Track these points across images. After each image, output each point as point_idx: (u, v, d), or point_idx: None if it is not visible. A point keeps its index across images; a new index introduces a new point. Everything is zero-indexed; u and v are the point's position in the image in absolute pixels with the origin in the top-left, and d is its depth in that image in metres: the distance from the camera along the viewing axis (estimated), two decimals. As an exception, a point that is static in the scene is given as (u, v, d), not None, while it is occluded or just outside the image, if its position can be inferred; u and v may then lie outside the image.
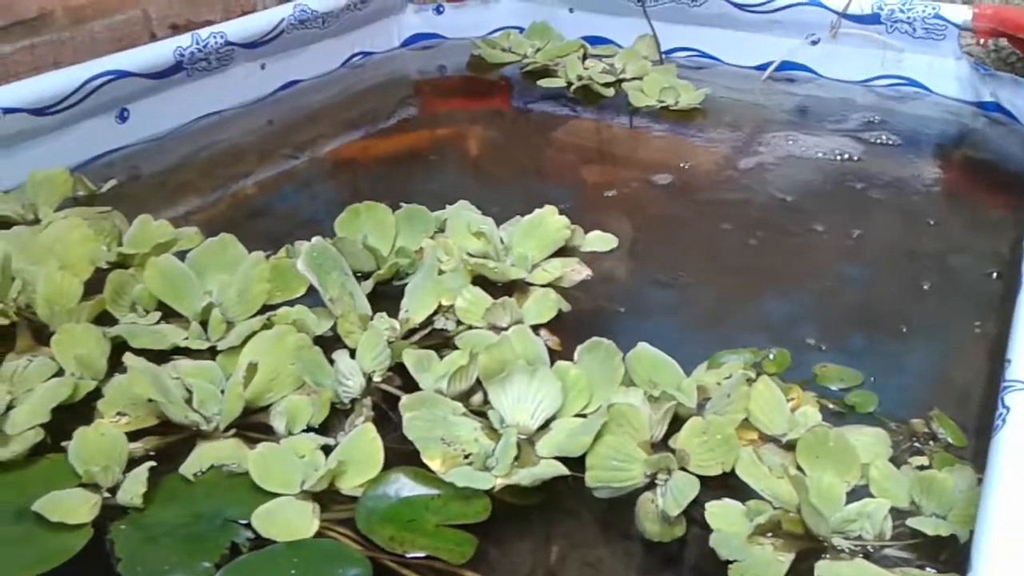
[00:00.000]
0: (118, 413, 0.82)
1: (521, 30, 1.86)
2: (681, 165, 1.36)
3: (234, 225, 1.10)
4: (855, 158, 1.38)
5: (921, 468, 0.76)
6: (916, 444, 0.81)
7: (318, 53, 1.69)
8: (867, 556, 0.69)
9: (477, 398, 0.84)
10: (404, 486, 0.76)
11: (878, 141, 1.43)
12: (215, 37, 1.47)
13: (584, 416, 0.82)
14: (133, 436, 0.80)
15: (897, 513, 0.73)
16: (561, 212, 1.09)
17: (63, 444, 0.78)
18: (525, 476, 0.75)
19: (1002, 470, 0.60)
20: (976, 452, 0.78)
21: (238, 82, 1.54)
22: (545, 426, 0.81)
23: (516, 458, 0.77)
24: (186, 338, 0.91)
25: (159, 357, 0.88)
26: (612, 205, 1.27)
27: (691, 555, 0.72)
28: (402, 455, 0.78)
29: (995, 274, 1.06)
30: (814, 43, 1.66)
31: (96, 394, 0.85)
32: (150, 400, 0.80)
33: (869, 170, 1.34)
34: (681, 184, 1.31)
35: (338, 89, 1.69)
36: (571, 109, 1.60)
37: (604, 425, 0.78)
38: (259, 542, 0.71)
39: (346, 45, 1.75)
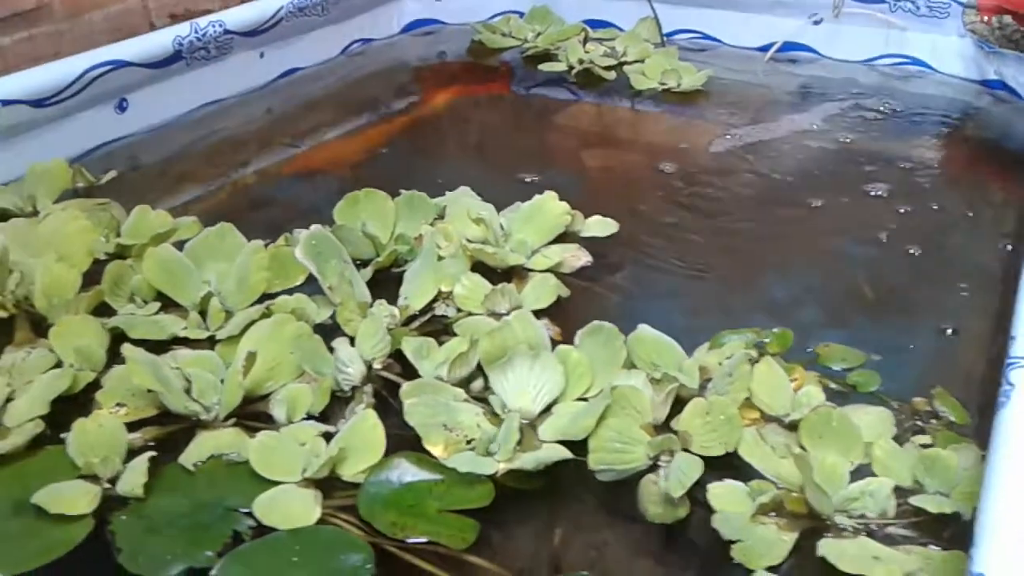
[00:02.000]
0: (117, 404, 0.82)
1: (521, 14, 1.85)
2: (683, 147, 1.35)
3: (234, 214, 1.10)
4: (858, 138, 1.37)
5: (924, 447, 0.76)
6: (919, 423, 0.80)
7: (317, 40, 1.68)
8: (870, 534, 0.69)
9: (477, 384, 0.84)
10: (406, 472, 0.76)
11: (881, 120, 1.42)
12: (214, 26, 1.46)
13: (586, 400, 0.82)
14: (132, 427, 0.80)
15: (900, 492, 0.72)
16: (562, 197, 1.09)
17: (62, 436, 0.78)
18: (528, 460, 0.74)
19: (1007, 446, 0.60)
20: (979, 430, 0.77)
21: (237, 71, 1.53)
22: (547, 410, 0.81)
23: (518, 442, 0.76)
24: (185, 328, 0.91)
25: (158, 347, 0.88)
26: (613, 189, 1.26)
27: (695, 536, 0.72)
28: (404, 441, 0.78)
29: (1003, 248, 1.05)
30: (817, 23, 1.65)
31: (95, 385, 0.84)
32: (149, 390, 0.80)
33: (872, 149, 1.33)
34: (683, 167, 1.30)
35: (338, 77, 1.68)
36: (572, 93, 1.60)
37: (606, 408, 0.77)
38: (261, 530, 0.71)
39: (345, 32, 1.75)
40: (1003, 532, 0.53)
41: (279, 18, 1.56)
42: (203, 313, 0.92)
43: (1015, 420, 0.62)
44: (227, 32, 1.48)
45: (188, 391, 0.81)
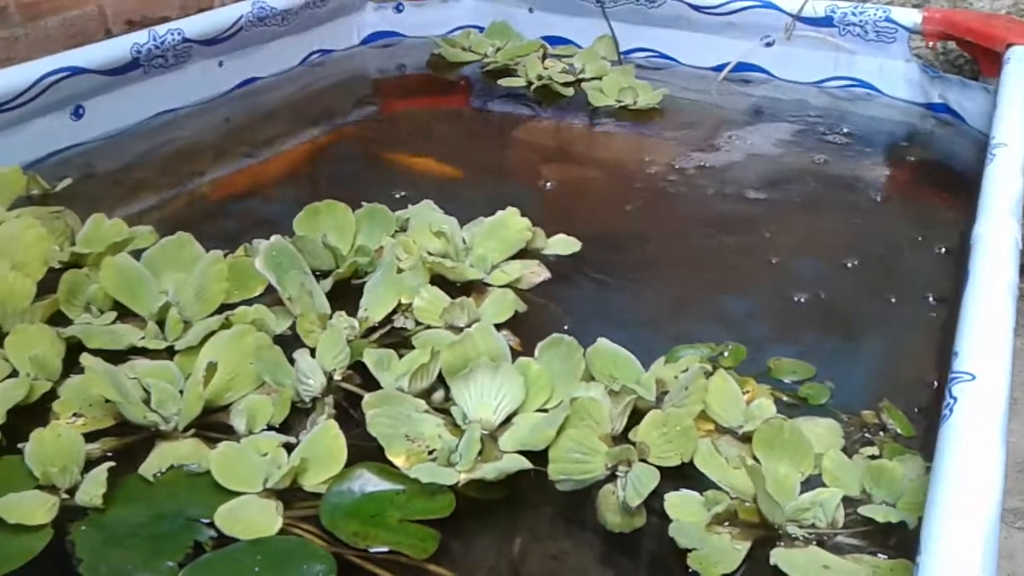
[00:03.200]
0: (74, 414, 0.81)
1: (481, 29, 1.87)
2: (639, 164, 1.38)
3: (191, 224, 1.09)
4: (808, 158, 1.41)
5: (872, 458, 0.78)
6: (867, 435, 0.83)
7: (277, 51, 1.68)
8: (820, 543, 0.71)
9: (439, 395, 0.85)
10: (368, 482, 0.76)
11: (831, 141, 1.46)
12: (172, 34, 1.45)
13: (546, 411, 0.83)
14: (90, 437, 0.79)
15: (849, 501, 0.75)
16: (523, 213, 1.10)
17: (19, 446, 0.77)
18: (489, 471, 0.75)
19: (950, 458, 0.62)
20: (924, 442, 0.80)
21: (196, 79, 1.52)
22: (508, 421, 0.82)
23: (479, 453, 0.77)
24: (143, 338, 0.90)
25: (115, 357, 0.87)
26: (570, 204, 1.28)
27: (651, 545, 0.73)
28: (365, 452, 0.78)
29: (948, 265, 1.09)
30: (768, 45, 1.69)
31: (52, 395, 0.84)
32: (107, 401, 0.80)
33: (822, 169, 1.37)
34: (639, 183, 1.33)
35: (297, 87, 1.68)
36: (531, 109, 1.61)
37: (566, 419, 0.79)
38: (222, 540, 0.71)
39: (305, 43, 1.75)
40: (947, 541, 0.56)
41: (239, 27, 1.56)
42: (161, 323, 0.92)
43: (958, 433, 0.64)
44: (185, 40, 1.47)
45: (147, 401, 0.81)
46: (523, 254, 1.08)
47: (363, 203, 1.11)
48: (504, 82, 1.68)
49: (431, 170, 1.36)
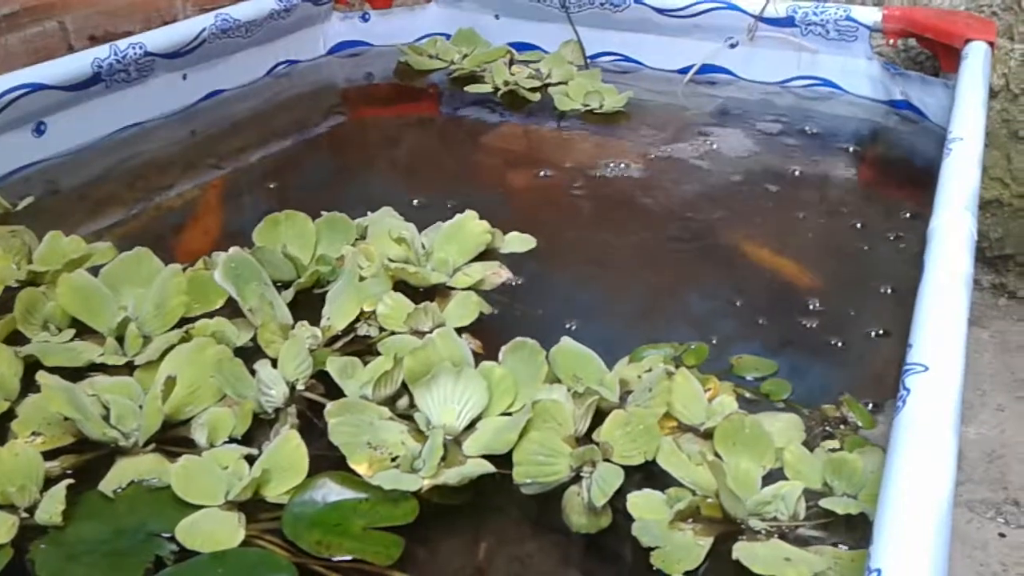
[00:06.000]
0: (33, 433, 0.80)
1: (448, 37, 1.87)
2: (605, 166, 1.38)
3: (157, 238, 1.08)
4: (773, 156, 1.42)
5: (833, 451, 0.79)
6: (828, 428, 0.83)
7: (242, 62, 1.67)
8: (783, 536, 0.72)
9: (403, 402, 0.85)
10: (331, 491, 0.76)
11: (795, 140, 1.47)
12: (134, 48, 1.44)
13: (510, 414, 0.83)
14: (49, 455, 0.78)
15: (811, 494, 0.75)
16: (485, 216, 1.10)
17: (-23, 465, 0.76)
18: (452, 476, 0.75)
19: (903, 449, 0.63)
20: (885, 434, 0.81)
21: (159, 93, 1.52)
22: (471, 426, 0.82)
23: (443, 458, 0.77)
24: (102, 354, 0.89)
25: (74, 375, 0.86)
26: (538, 207, 1.28)
27: (616, 544, 0.73)
28: (329, 461, 0.78)
29: (908, 259, 1.10)
30: (732, 46, 1.70)
31: (10, 415, 0.83)
32: (66, 418, 0.79)
33: (787, 168, 1.38)
34: (604, 185, 1.33)
35: (263, 98, 1.67)
36: (499, 114, 1.62)
37: (529, 422, 0.79)
38: (183, 554, 0.70)
39: (271, 54, 1.74)
40: (897, 530, 0.56)
41: (202, 39, 1.55)
42: (120, 339, 0.91)
43: (911, 424, 0.65)
44: (148, 54, 1.46)
45: (106, 418, 0.80)
46: (484, 256, 1.08)
47: (323, 212, 1.10)
48: (471, 88, 1.68)
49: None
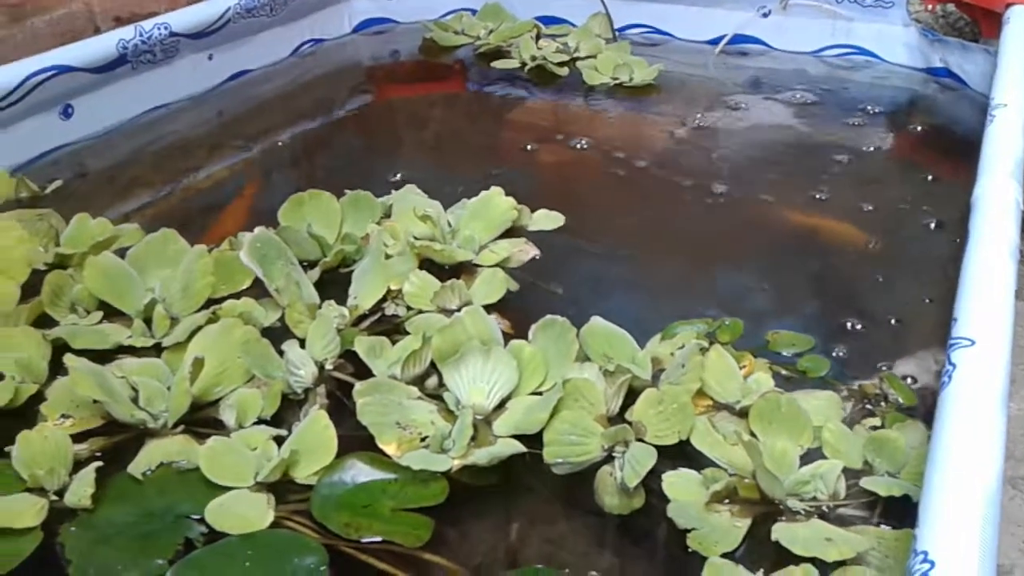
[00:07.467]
0: (62, 415, 0.80)
1: (473, 12, 1.85)
2: (635, 141, 1.36)
3: (183, 220, 1.08)
4: (807, 128, 1.38)
5: (873, 429, 0.77)
6: (868, 406, 0.81)
7: (267, 41, 1.66)
8: (823, 516, 0.70)
9: (432, 382, 0.84)
10: (360, 472, 0.75)
11: (831, 111, 1.43)
12: (159, 28, 1.44)
13: (540, 394, 0.82)
14: (78, 438, 0.78)
15: (851, 473, 0.73)
16: (512, 193, 1.08)
17: (7, 449, 0.76)
18: (482, 456, 0.74)
19: (949, 426, 0.61)
20: (927, 411, 0.78)
21: (185, 74, 1.51)
22: (501, 405, 0.81)
23: (473, 438, 0.76)
24: (130, 336, 0.89)
25: (102, 357, 0.86)
26: (566, 183, 1.26)
27: (651, 526, 0.72)
28: (358, 442, 0.77)
29: (950, 232, 1.07)
30: (765, 15, 1.66)
31: (39, 397, 0.83)
32: (95, 401, 0.79)
33: (822, 139, 1.34)
34: (635, 160, 1.31)
35: (289, 78, 1.66)
36: (526, 90, 1.59)
37: (560, 401, 0.77)
38: (213, 536, 0.70)
39: (296, 32, 1.73)
40: (945, 510, 0.54)
41: (227, 19, 1.54)
42: (148, 321, 0.91)
43: (957, 400, 0.62)
44: (173, 34, 1.45)
45: (135, 400, 0.80)
46: (510, 233, 1.06)
47: (346, 191, 1.09)
48: (498, 64, 1.65)
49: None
